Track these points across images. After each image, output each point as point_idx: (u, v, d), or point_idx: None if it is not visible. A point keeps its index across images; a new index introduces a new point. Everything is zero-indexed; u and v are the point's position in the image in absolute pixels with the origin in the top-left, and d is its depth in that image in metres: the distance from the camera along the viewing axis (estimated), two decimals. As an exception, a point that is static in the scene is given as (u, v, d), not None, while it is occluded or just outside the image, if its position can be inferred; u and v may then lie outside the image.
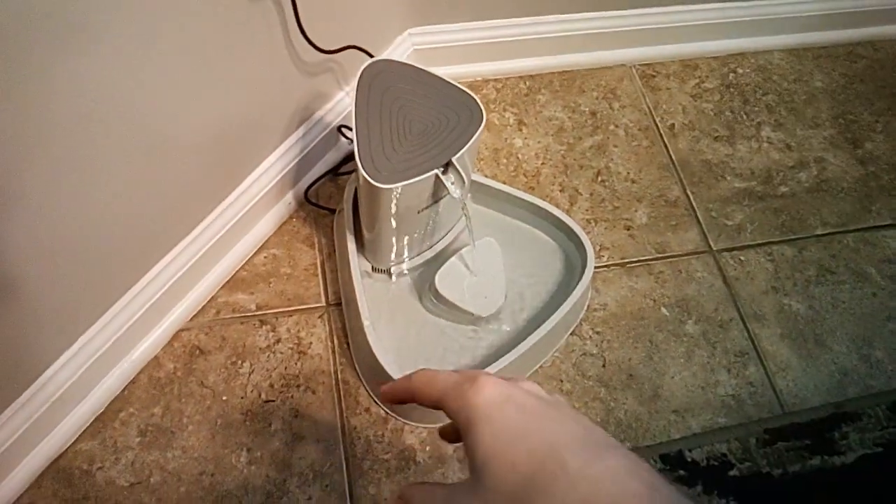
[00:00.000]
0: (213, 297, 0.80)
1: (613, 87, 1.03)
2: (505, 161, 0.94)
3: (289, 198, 0.86)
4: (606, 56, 1.04)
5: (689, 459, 0.75)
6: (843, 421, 0.79)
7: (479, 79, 1.01)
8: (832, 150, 1.01)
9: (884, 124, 1.05)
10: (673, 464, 0.74)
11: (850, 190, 0.97)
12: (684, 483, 0.73)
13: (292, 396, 0.75)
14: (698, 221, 0.92)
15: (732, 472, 0.75)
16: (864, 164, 1.00)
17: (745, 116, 1.03)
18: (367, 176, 0.63)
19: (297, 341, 0.79)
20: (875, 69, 1.11)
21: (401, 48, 0.92)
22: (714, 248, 0.90)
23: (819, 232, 0.93)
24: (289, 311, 0.80)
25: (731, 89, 1.05)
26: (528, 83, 1.01)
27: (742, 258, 0.89)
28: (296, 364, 0.77)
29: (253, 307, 0.80)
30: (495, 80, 1.01)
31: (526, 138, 0.96)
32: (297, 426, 0.74)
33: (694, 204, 0.93)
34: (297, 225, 0.87)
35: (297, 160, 0.83)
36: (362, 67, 0.65)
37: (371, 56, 0.76)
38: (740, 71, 1.07)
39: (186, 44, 0.58)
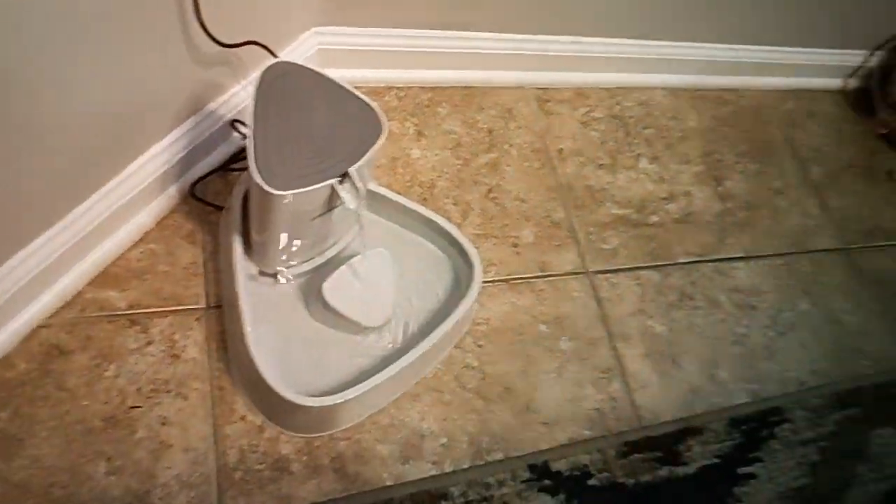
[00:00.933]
0: (79, 293, 0.74)
1: (511, 108, 1.06)
2: (402, 171, 0.95)
3: (172, 191, 0.81)
4: (506, 77, 1.07)
5: (554, 470, 0.80)
6: (689, 434, 0.87)
7: (383, 85, 1.01)
8: (698, 186, 1.11)
9: (743, 166, 1.17)
10: (539, 474, 0.79)
11: (711, 223, 1.08)
12: (548, 492, 0.78)
13: (161, 403, 0.72)
14: (578, 243, 0.98)
15: (592, 482, 0.80)
16: (724, 200, 1.11)
17: (626, 147, 1.10)
18: (261, 181, 0.61)
19: (170, 344, 0.75)
20: (739, 115, 1.24)
21: (304, 46, 0.89)
22: (590, 270, 0.96)
23: (682, 260, 1.02)
24: (164, 311, 0.76)
25: (617, 120, 1.12)
26: (430, 95, 1.03)
27: (614, 281, 0.96)
28: (167, 368, 0.74)
29: (123, 305, 0.75)
30: (398, 88, 1.01)
31: (424, 149, 0.98)
32: (165, 434, 0.70)
33: (575, 226, 0.99)
34: (179, 220, 0.82)
35: (184, 152, 0.79)
36: (263, 69, 0.63)
37: (273, 54, 0.74)
38: (626, 104, 1.15)
39: (69, 13, 0.53)
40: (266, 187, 0.61)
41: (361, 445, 0.75)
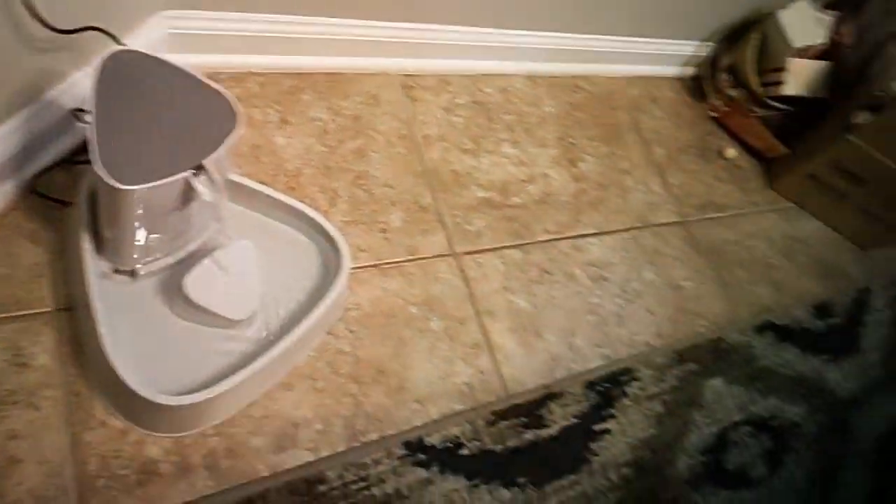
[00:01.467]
0: None
1: (376, 94, 1.08)
2: (266, 160, 0.94)
3: (9, 187, 0.75)
4: (371, 63, 1.08)
5: (428, 444, 0.84)
6: (551, 399, 0.95)
7: (243, 71, 0.98)
8: (555, 168, 1.19)
9: (594, 148, 1.26)
10: (413, 449, 0.82)
11: (567, 203, 1.16)
12: (423, 466, 0.82)
13: (8, 416, 0.67)
14: (444, 226, 1.02)
15: (463, 451, 0.85)
16: (578, 181, 1.20)
17: (489, 132, 1.15)
18: (106, 177, 0.58)
19: (15, 351, 0.70)
20: (591, 101, 1.33)
21: (154, 31, 0.85)
22: (456, 252, 1.00)
23: (541, 238, 1.09)
24: (6, 317, 0.71)
25: (479, 106, 1.17)
26: (293, 81, 1.01)
27: (480, 261, 1.01)
28: (14, 378, 0.69)
29: (-44, 314, 0.69)
30: (259, 74, 0.99)
31: (289, 137, 0.97)
32: (14, 448, 0.66)
33: (442, 210, 1.03)
34: (19, 219, 0.76)
35: (20, 145, 0.73)
36: (102, 58, 0.60)
37: (116, 39, 0.70)
38: (487, 90, 1.20)
39: None
40: (113, 182, 0.58)
41: (234, 440, 0.75)
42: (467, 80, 1.19)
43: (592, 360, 1.02)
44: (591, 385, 0.99)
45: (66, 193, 0.79)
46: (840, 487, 1.13)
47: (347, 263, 0.82)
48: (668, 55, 1.45)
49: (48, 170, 0.78)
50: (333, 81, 1.05)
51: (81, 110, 0.77)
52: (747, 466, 1.06)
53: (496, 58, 1.21)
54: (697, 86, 1.51)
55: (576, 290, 1.07)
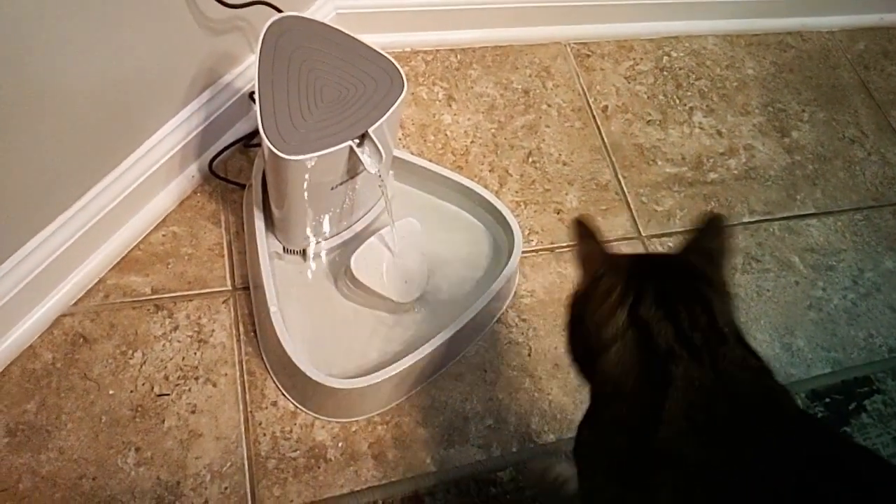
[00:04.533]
0: (101, 279, 0.72)
1: (547, 66, 0.99)
2: (433, 138, 0.89)
3: (192, 170, 0.78)
4: (541, 33, 1.00)
5: (613, 451, 0.72)
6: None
7: (408, 49, 0.95)
8: (761, 138, 1.01)
9: (810, 114, 1.06)
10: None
11: (777, 178, 0.97)
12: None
13: (190, 390, 0.68)
14: (629, 206, 0.90)
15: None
16: (791, 152, 1.01)
17: (677, 101, 1.01)
18: (272, 146, 0.56)
19: (197, 329, 0.72)
20: (803, 59, 1.12)
21: (322, 10, 0.84)
22: (643, 234, 0.88)
23: (746, 220, 0.92)
24: (189, 295, 0.73)
25: (665, 73, 1.03)
26: (459, 57, 0.96)
27: (670, 245, 0.88)
28: (195, 354, 0.70)
29: (148, 290, 0.72)
30: (425, 52, 0.95)
31: (455, 114, 0.91)
32: (195, 423, 0.67)
33: (625, 188, 0.91)
34: (201, 200, 0.79)
35: (201, 128, 0.75)
36: (267, 24, 0.58)
37: (279, 11, 0.69)
38: (674, 55, 1.06)
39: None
40: (279, 153, 0.56)
41: (401, 429, 0.70)
42: (651, 45, 1.05)
43: (817, 366, 0.83)
44: (816, 395, 0.81)
45: (243, 176, 0.80)
46: None
47: (520, 246, 0.74)
48: (905, -2, 1.19)
49: (223, 151, 0.79)
50: (502, 54, 0.98)
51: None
52: None
53: (685, 17, 1.06)
54: (947, 34, 1.22)
55: (792, 281, 0.89)
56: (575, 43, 1.02)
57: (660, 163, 0.94)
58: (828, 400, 0.81)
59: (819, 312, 0.87)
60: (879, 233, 0.96)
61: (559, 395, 0.75)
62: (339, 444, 0.68)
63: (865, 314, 0.89)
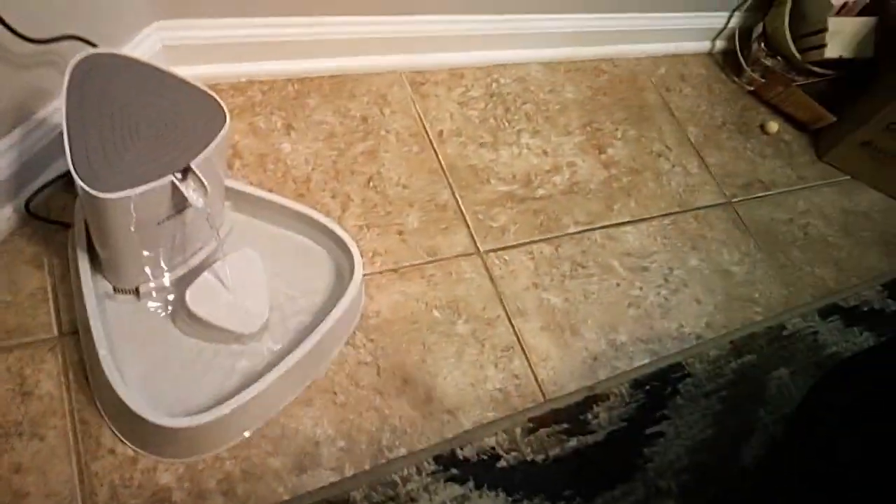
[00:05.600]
0: None
1: (384, 93, 1.03)
2: (272, 167, 0.90)
3: (7, 212, 0.73)
4: (377, 62, 1.04)
5: (461, 457, 0.77)
6: (594, 402, 0.87)
7: (244, 80, 0.95)
8: (581, 155, 1.12)
9: (622, 132, 1.18)
10: (445, 464, 0.76)
11: (597, 191, 1.08)
12: (457, 481, 0.75)
13: (13, 448, 0.64)
14: (467, 224, 0.96)
15: (500, 464, 0.78)
16: (608, 167, 1.12)
17: (506, 124, 1.09)
18: (84, 185, 0.55)
19: (19, 381, 0.67)
20: (615, 83, 1.26)
21: (146, 44, 0.83)
22: (481, 250, 0.94)
23: (571, 230, 1.02)
24: (9, 346, 0.68)
25: (495, 98, 1.11)
26: (296, 86, 0.98)
27: (506, 258, 0.95)
28: (18, 408, 0.66)
29: (-43, 345, 0.67)
30: (261, 81, 0.96)
31: (295, 143, 0.93)
32: (19, 483, 0.62)
33: (462, 207, 0.97)
34: (20, 244, 0.74)
35: (13, 168, 0.71)
36: (73, 62, 0.56)
37: (93, 46, 0.67)
38: (502, 81, 1.14)
39: None
40: (91, 191, 0.55)
41: (251, 462, 0.70)
42: (480, 72, 1.13)
43: (638, 357, 0.93)
44: (638, 384, 0.91)
45: (66, 215, 0.76)
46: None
47: (360, 269, 0.77)
48: (696, 30, 1.37)
49: (40, 191, 0.75)
50: (339, 83, 1.01)
51: (75, 128, 0.75)
52: (823, 464, 0.95)
53: (510, 46, 1.15)
54: (730, 59, 1.42)
55: (614, 283, 0.99)
56: (410, 71, 1.07)
57: (493, 182, 1.02)
58: (648, 387, 0.91)
59: (637, 309, 0.98)
60: (684, 235, 1.10)
61: (408, 410, 0.78)
62: (185, 485, 0.67)
63: (676, 307, 1.01)
